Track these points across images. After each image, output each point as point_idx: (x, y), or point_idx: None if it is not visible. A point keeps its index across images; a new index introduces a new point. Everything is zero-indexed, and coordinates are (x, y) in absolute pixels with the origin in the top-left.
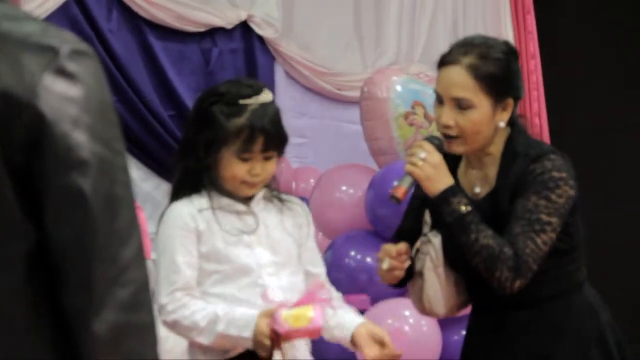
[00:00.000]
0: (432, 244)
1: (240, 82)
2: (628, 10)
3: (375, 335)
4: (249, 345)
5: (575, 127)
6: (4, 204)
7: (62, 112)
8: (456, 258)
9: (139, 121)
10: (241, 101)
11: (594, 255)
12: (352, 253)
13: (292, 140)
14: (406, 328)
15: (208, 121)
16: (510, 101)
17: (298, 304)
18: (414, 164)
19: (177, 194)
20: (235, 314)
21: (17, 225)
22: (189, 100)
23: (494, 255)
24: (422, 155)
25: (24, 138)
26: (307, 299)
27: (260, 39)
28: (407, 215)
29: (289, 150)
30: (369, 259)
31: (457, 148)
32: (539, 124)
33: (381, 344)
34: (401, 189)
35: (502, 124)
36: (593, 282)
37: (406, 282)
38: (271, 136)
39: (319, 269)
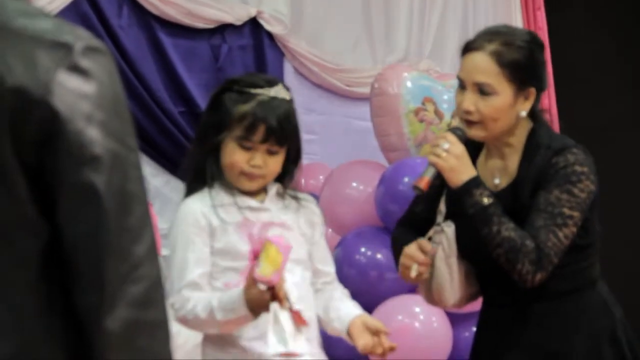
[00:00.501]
0: (445, 234)
1: (258, 75)
2: (638, 6)
3: (369, 325)
4: (252, 319)
5: (584, 123)
6: (17, 200)
7: (76, 108)
8: (472, 250)
9: (148, 117)
10: (251, 90)
11: (602, 252)
12: (363, 249)
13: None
14: (416, 324)
15: (218, 107)
16: (533, 90)
17: (255, 255)
18: (437, 155)
19: (189, 189)
20: (223, 300)
21: (30, 222)
22: (199, 96)
23: (516, 248)
24: (446, 146)
25: (37, 134)
26: (257, 247)
27: (270, 35)
28: (420, 202)
29: None
30: (379, 255)
31: (476, 133)
32: (549, 119)
33: (375, 333)
34: (424, 179)
35: (523, 113)
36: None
37: None
38: (273, 129)
39: (329, 267)
